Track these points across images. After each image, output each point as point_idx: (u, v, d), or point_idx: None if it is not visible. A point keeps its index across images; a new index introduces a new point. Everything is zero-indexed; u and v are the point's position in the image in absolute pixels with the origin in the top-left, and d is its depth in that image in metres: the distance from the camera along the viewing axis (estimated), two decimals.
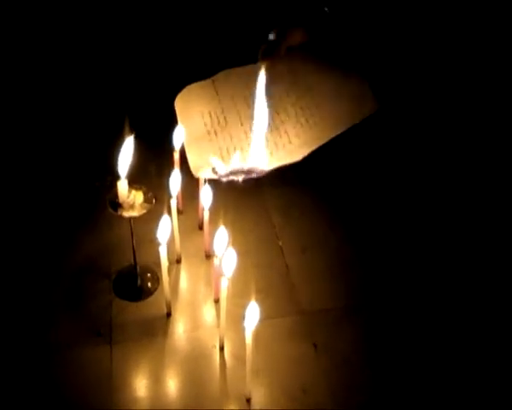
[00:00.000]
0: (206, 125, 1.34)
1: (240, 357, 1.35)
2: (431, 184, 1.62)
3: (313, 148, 1.27)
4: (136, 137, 1.38)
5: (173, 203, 1.47)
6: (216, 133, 1.33)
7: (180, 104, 1.37)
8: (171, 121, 1.48)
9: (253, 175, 1.25)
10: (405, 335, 1.40)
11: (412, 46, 1.35)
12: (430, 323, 1.42)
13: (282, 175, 1.52)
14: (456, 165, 1.62)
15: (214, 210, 1.49)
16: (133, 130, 1.34)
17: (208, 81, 1.42)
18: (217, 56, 1.74)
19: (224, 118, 1.36)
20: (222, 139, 1.32)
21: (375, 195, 1.66)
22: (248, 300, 1.25)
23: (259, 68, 1.31)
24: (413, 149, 1.65)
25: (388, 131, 1.66)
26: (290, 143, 1.31)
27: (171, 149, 1.51)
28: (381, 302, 1.46)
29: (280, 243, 1.60)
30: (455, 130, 1.62)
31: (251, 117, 1.31)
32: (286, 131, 1.32)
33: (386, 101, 1.28)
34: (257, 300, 1.25)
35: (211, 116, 1.36)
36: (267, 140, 1.30)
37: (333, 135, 1.28)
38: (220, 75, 1.42)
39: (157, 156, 1.72)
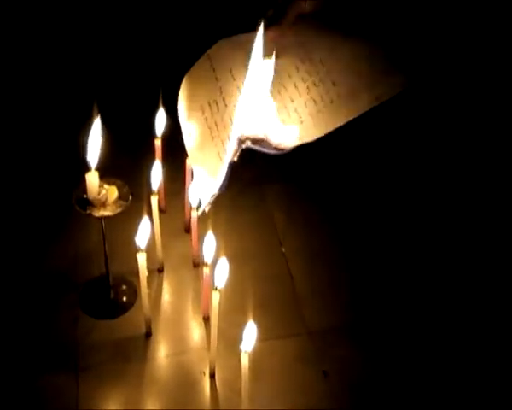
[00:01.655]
0: (206, 119, 1.35)
1: (234, 386, 1.33)
2: (438, 195, 1.64)
3: (328, 130, 1.26)
4: (109, 122, 1.37)
5: (154, 201, 1.44)
6: (217, 125, 1.33)
7: (182, 103, 1.38)
8: (152, 103, 1.48)
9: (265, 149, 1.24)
10: (426, 359, 1.40)
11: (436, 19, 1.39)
12: (447, 343, 1.42)
13: (285, 169, 1.66)
14: (456, 171, 1.66)
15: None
16: (99, 111, 1.34)
17: (204, 58, 1.42)
18: (207, 24, 1.79)
19: (223, 99, 1.35)
20: (223, 128, 1.32)
21: (388, 194, 1.67)
22: (245, 317, 1.24)
23: (263, 37, 1.28)
24: (421, 154, 1.70)
25: (397, 130, 1.71)
26: (302, 123, 1.29)
27: (151, 136, 1.51)
28: (398, 321, 1.45)
29: (283, 249, 1.58)
30: (455, 130, 1.68)
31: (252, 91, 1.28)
32: (296, 110, 1.31)
33: (413, 75, 1.30)
34: (255, 317, 1.23)
35: (210, 106, 1.36)
36: (273, 117, 1.29)
37: (351, 117, 1.27)
38: (216, 46, 1.41)
39: (135, 144, 1.71)
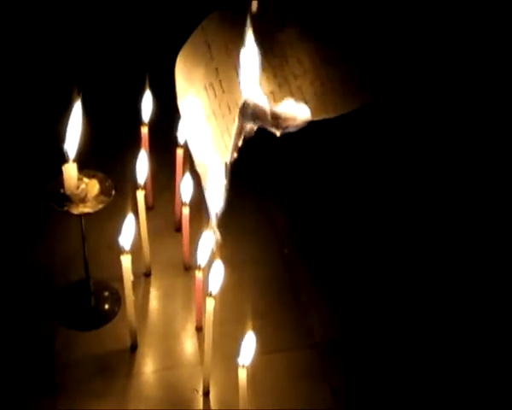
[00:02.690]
0: (204, 107, 1.34)
1: (231, 405, 1.31)
2: (441, 205, 1.66)
3: (335, 114, 1.28)
4: (90, 107, 1.36)
5: (140, 196, 1.43)
6: (214, 115, 1.33)
7: (179, 87, 1.37)
8: (137, 85, 1.48)
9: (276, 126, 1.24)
10: (434, 371, 1.39)
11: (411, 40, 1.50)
12: (455, 357, 1.42)
13: (288, 163, 1.68)
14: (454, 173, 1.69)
15: (197, 205, 1.43)
16: (79, 95, 1.33)
17: (198, 31, 1.41)
18: None
19: (220, 82, 1.34)
20: (221, 118, 1.31)
21: (394, 194, 1.67)
22: (243, 328, 1.23)
23: (261, 8, 1.30)
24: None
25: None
26: (306, 102, 1.27)
27: (137, 122, 1.51)
28: (413, 333, 1.44)
29: (286, 252, 1.57)
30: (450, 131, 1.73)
31: (250, 71, 1.27)
32: (300, 88, 1.31)
33: (382, 93, 1.38)
34: (254, 328, 1.22)
35: (206, 90, 1.35)
36: (273, 96, 1.29)
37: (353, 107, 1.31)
38: (210, 18, 1.40)
39: (118, 131, 1.72)
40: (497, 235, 1.60)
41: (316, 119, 1.27)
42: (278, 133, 1.25)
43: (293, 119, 1.24)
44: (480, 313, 1.48)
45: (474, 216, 1.62)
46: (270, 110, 1.24)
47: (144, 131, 1.48)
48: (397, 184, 1.69)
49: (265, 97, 1.26)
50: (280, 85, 1.30)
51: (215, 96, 1.35)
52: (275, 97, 1.29)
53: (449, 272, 1.54)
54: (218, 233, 1.27)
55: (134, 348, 1.39)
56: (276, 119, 1.24)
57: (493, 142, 1.70)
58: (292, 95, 1.29)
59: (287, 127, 1.24)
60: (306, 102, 1.29)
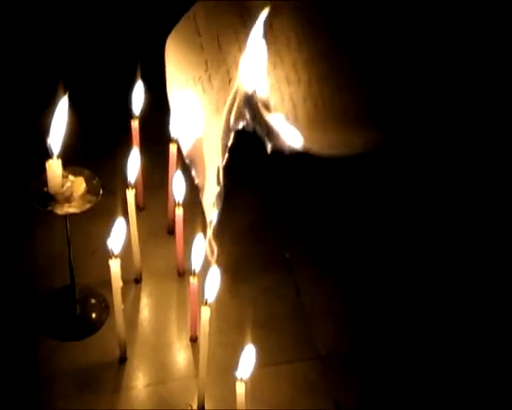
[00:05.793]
0: (194, 102, 1.34)
1: None
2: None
3: (330, 149, 1.27)
4: (76, 99, 1.36)
5: (130, 195, 1.42)
6: (204, 112, 1.33)
7: (169, 73, 1.40)
8: (128, 75, 1.48)
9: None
10: (442, 384, 1.39)
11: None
12: (463, 368, 1.42)
13: (288, 162, 1.62)
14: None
15: (191, 206, 1.45)
16: (65, 86, 1.32)
17: (189, 17, 1.42)
18: None
19: (209, 77, 1.34)
20: (209, 115, 1.31)
21: (400, 202, 1.67)
22: (241, 338, 1.25)
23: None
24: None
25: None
26: (296, 120, 1.26)
27: (127, 116, 1.50)
28: (418, 345, 1.44)
29: (287, 256, 1.56)
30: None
31: (240, 67, 1.26)
32: (291, 98, 1.27)
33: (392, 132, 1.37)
34: (253, 339, 1.22)
35: (195, 83, 1.36)
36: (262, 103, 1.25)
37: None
38: (202, 3, 1.41)
39: (107, 125, 1.71)
40: (500, 237, 1.61)
41: (308, 148, 1.23)
42: (269, 148, 1.22)
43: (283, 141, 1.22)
44: (482, 319, 1.48)
45: (475, 220, 1.63)
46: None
47: (135, 125, 1.47)
48: (402, 187, 1.69)
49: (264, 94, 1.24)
50: (271, 88, 1.26)
51: (203, 91, 1.35)
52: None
53: (454, 280, 1.54)
54: (214, 243, 1.26)
55: (123, 360, 1.39)
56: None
57: (494, 145, 1.71)
58: (282, 102, 1.26)
59: (277, 145, 1.22)
60: (297, 120, 1.26)
